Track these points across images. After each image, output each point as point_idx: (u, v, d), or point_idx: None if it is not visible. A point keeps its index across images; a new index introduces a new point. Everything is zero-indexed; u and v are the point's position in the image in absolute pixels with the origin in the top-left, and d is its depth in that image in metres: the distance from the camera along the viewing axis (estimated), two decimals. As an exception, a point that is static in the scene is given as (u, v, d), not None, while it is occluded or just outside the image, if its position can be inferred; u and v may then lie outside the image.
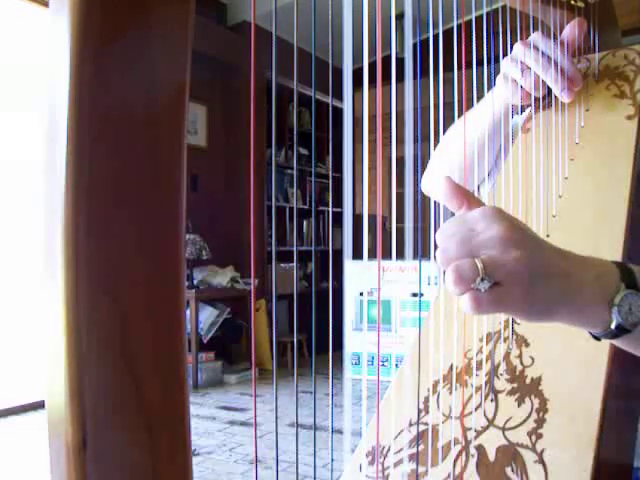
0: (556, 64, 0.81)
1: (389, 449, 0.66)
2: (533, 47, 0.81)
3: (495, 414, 0.63)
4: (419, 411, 0.67)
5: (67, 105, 0.28)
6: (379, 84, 0.48)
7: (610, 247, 0.70)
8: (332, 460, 0.58)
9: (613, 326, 0.46)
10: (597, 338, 0.50)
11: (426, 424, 0.66)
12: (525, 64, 0.82)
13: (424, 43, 0.54)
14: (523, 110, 0.91)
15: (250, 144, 5.02)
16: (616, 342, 0.49)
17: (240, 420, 3.84)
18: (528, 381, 0.64)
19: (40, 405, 3.86)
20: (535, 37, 0.81)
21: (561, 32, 0.87)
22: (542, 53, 0.81)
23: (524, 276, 0.42)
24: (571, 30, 0.85)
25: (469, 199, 0.48)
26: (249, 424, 3.71)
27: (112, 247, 0.29)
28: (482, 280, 0.41)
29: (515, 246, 0.42)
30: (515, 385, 0.65)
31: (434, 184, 1.02)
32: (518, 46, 0.82)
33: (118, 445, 0.29)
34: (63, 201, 0.28)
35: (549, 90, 0.85)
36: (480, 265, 0.41)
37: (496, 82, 0.86)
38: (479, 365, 0.68)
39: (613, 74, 0.88)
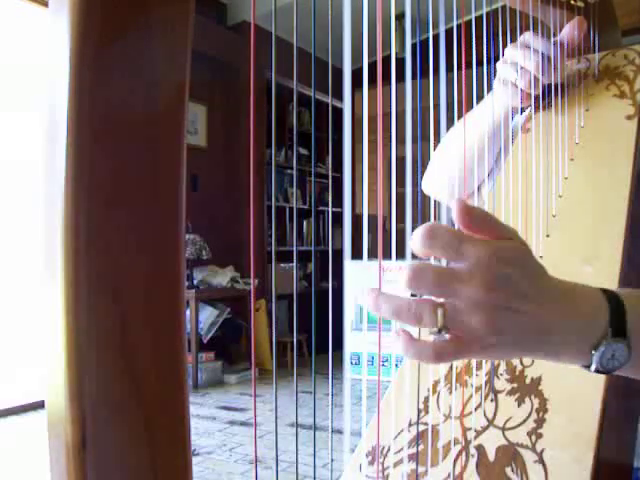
0: (552, 61, 0.81)
1: (389, 449, 0.66)
2: (525, 46, 0.81)
3: (495, 414, 0.63)
4: (419, 411, 0.67)
5: (67, 105, 0.28)
6: (379, 84, 0.48)
7: (610, 247, 0.70)
8: (332, 460, 0.58)
9: (592, 370, 0.44)
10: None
11: (426, 424, 0.66)
12: (520, 64, 0.82)
13: (424, 43, 0.54)
14: (523, 111, 0.91)
15: (250, 144, 5.03)
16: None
17: (240, 420, 3.84)
18: (528, 381, 0.64)
19: (40, 405, 3.86)
20: (526, 37, 0.81)
21: (561, 32, 0.87)
22: (534, 50, 0.81)
23: (483, 336, 0.40)
24: (570, 29, 0.84)
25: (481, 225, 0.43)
26: (249, 424, 3.71)
27: (112, 247, 0.29)
28: (439, 332, 0.40)
29: (486, 309, 0.39)
30: (515, 385, 0.65)
31: (434, 185, 1.02)
32: (511, 48, 0.82)
33: (118, 445, 0.29)
34: (63, 201, 0.28)
35: (549, 90, 0.85)
36: (440, 319, 0.39)
37: (494, 86, 0.86)
38: (479, 365, 0.68)
39: (613, 74, 0.88)
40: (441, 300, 0.40)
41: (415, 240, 0.41)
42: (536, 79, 0.81)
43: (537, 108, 0.87)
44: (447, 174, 0.96)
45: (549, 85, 0.83)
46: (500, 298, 0.40)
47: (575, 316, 0.43)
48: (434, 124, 0.61)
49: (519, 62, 0.81)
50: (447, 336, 0.40)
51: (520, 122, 0.91)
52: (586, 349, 0.43)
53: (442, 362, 0.41)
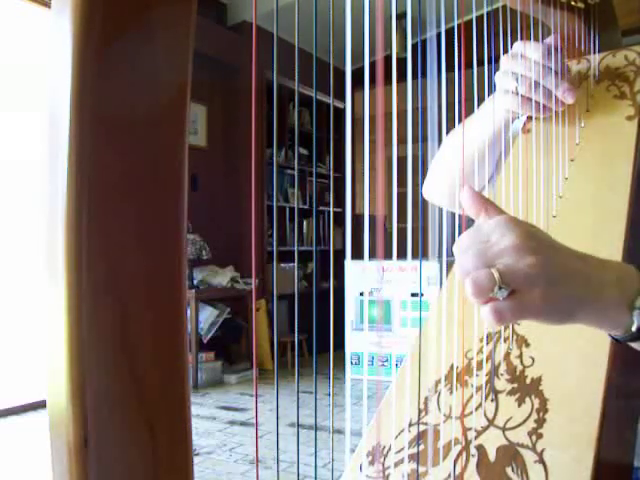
0: (549, 67, 0.81)
1: (389, 449, 0.66)
2: (521, 56, 0.81)
3: (495, 414, 0.63)
4: (419, 411, 0.67)
5: (69, 105, 0.28)
6: (380, 83, 0.48)
7: (610, 247, 0.70)
8: (332, 460, 0.58)
9: (634, 328, 0.47)
10: (618, 341, 0.50)
11: (426, 424, 0.66)
12: (518, 73, 0.82)
13: (425, 43, 0.54)
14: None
15: (250, 144, 5.03)
16: (637, 345, 0.49)
17: (240, 420, 3.84)
18: (528, 381, 0.64)
19: (40, 405, 3.87)
20: (519, 47, 0.81)
21: (561, 32, 0.87)
22: (532, 60, 0.81)
23: (539, 281, 0.43)
24: (553, 41, 0.85)
25: (487, 207, 0.49)
26: (249, 424, 3.71)
27: (113, 247, 0.29)
28: (500, 289, 0.42)
29: (529, 253, 0.44)
30: (515, 385, 0.65)
31: (435, 191, 1.01)
32: (506, 59, 0.82)
33: (119, 444, 0.30)
34: (65, 201, 0.28)
35: (549, 95, 0.84)
36: (496, 274, 0.43)
37: (495, 95, 0.86)
38: (479, 365, 0.68)
39: (613, 75, 0.88)
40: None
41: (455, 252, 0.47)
42: (536, 84, 0.81)
43: (537, 113, 0.86)
44: (447, 180, 0.96)
45: (549, 91, 0.82)
46: (537, 247, 0.44)
47: (609, 270, 0.48)
48: (437, 124, 0.61)
49: (520, 71, 0.81)
50: (505, 293, 0.43)
51: (520, 123, 0.91)
52: (626, 305, 0.47)
53: (502, 323, 0.44)
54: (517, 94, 0.83)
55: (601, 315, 0.47)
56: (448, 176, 0.95)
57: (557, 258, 0.45)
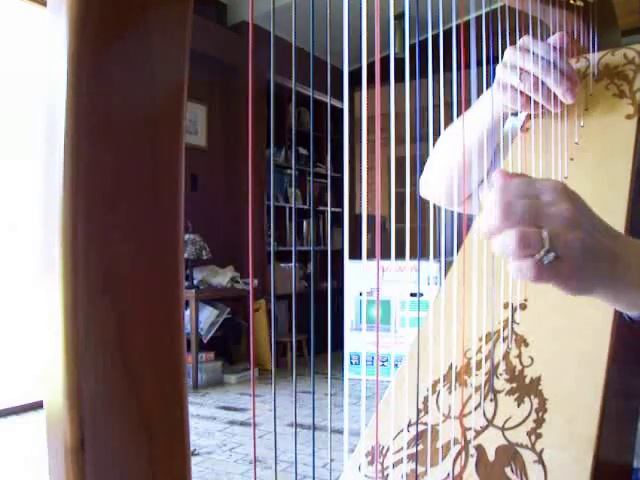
0: (555, 65, 0.80)
1: (388, 449, 0.66)
2: (527, 50, 0.80)
3: (494, 414, 0.63)
4: (418, 411, 0.67)
5: (65, 104, 0.28)
6: (377, 84, 0.48)
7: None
8: (331, 460, 0.58)
9: None
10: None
11: (425, 424, 0.66)
12: (523, 68, 0.80)
13: (423, 43, 0.54)
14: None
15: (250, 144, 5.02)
16: None
17: (240, 420, 3.84)
18: (527, 381, 0.64)
19: (40, 405, 3.86)
20: (526, 41, 0.80)
21: (566, 31, 0.87)
22: (536, 55, 0.80)
23: (578, 255, 0.45)
24: (559, 39, 0.85)
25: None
26: (249, 424, 3.71)
27: (111, 247, 0.29)
28: (547, 253, 0.44)
29: (578, 227, 0.46)
30: (514, 385, 0.65)
31: (432, 188, 1.01)
32: (511, 51, 0.81)
33: (116, 446, 0.29)
34: (61, 201, 0.28)
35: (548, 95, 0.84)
36: (547, 239, 0.44)
37: (492, 88, 0.85)
38: (478, 365, 0.68)
39: (612, 73, 0.87)
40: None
41: (494, 201, 0.46)
42: (538, 83, 0.80)
43: (536, 111, 0.86)
44: (445, 176, 0.96)
45: (549, 90, 0.82)
46: (585, 223, 0.46)
47: (636, 252, 0.50)
48: (434, 124, 0.61)
49: (524, 66, 0.80)
50: (552, 258, 0.44)
51: (519, 123, 0.91)
52: None
53: (537, 281, 0.46)
54: (516, 90, 0.82)
55: (621, 294, 0.50)
56: (446, 171, 0.94)
57: (596, 237, 0.47)
